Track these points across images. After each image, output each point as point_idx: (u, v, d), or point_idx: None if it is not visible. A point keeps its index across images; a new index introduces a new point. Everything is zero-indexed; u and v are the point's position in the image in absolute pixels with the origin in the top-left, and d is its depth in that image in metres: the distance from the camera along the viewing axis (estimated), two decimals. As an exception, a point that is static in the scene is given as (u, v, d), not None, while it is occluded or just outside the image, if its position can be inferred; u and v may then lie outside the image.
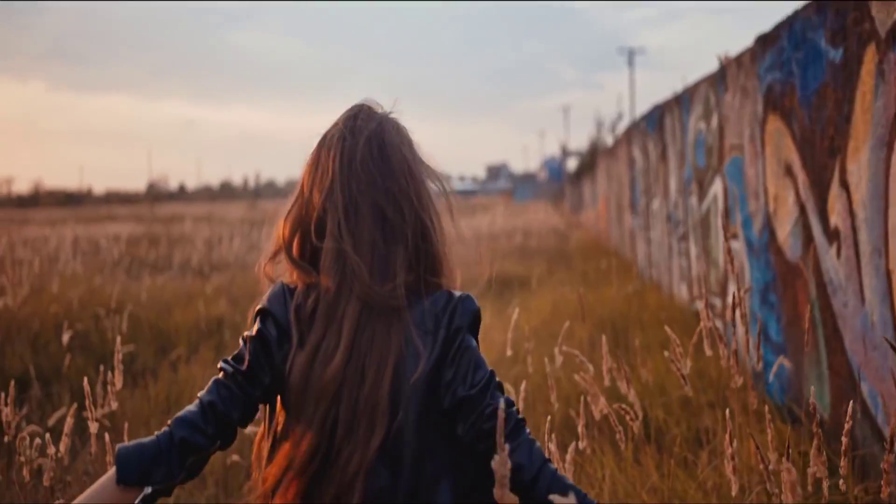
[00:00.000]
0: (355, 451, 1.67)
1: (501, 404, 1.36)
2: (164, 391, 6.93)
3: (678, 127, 9.27)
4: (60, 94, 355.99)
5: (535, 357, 6.74)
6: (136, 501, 1.62)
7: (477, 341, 1.78)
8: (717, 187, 7.53)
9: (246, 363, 1.78)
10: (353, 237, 1.77)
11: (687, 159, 8.85)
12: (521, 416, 1.71)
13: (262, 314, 1.85)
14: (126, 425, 3.30)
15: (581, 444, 3.42)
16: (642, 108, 50.99)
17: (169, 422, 1.72)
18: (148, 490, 1.63)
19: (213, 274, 14.09)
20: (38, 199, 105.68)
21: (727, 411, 2.83)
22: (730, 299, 7.11)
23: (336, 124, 1.89)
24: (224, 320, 10.02)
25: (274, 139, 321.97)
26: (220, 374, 1.80)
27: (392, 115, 1.91)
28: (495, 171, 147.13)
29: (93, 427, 3.57)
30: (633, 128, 13.55)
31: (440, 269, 1.83)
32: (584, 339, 7.84)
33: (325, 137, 1.89)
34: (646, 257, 12.42)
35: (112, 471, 1.63)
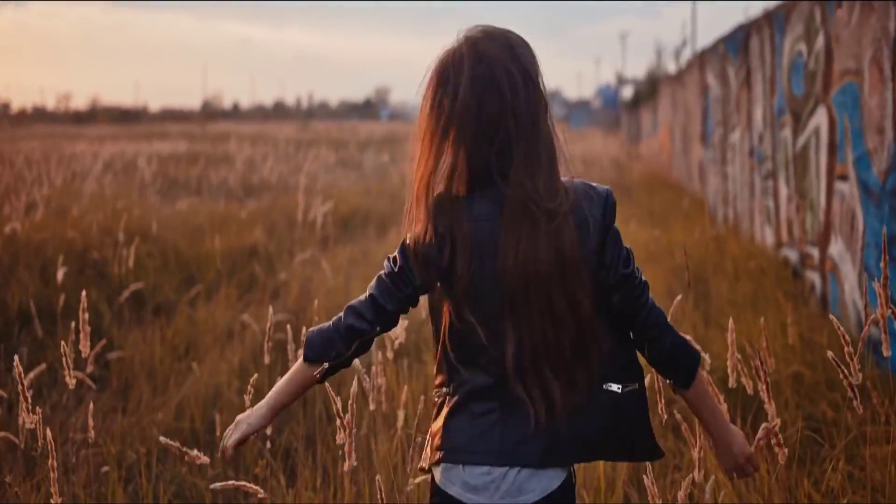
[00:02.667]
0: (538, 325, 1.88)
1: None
2: (179, 333, 6.18)
3: (768, 49, 8.16)
4: (119, 10, 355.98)
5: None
6: (316, 374, 1.98)
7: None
8: (819, 119, 6.48)
9: (399, 266, 1.94)
10: (524, 154, 1.85)
11: (779, 86, 7.76)
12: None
13: (427, 219, 1.88)
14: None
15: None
16: (704, 38, 48.99)
17: (344, 308, 1.98)
18: (325, 366, 1.98)
19: (252, 196, 13.33)
20: (94, 116, 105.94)
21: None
22: (833, 249, 6.14)
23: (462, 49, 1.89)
24: (258, 250, 9.24)
25: (327, 61, 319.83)
26: (383, 269, 1.98)
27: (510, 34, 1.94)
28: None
29: (70, 382, 3.26)
30: (709, 51, 12.35)
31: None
32: (658, 287, 6.92)
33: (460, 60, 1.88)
34: (719, 194, 11.36)
35: (301, 351, 2.00)
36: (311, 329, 2.01)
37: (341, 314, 1.98)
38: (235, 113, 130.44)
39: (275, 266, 8.45)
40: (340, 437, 2.58)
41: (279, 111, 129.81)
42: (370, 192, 15.06)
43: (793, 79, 7.26)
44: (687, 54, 33.56)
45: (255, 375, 2.86)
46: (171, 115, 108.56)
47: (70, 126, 71.37)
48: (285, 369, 2.38)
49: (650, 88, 37.06)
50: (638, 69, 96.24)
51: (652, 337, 1.98)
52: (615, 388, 1.95)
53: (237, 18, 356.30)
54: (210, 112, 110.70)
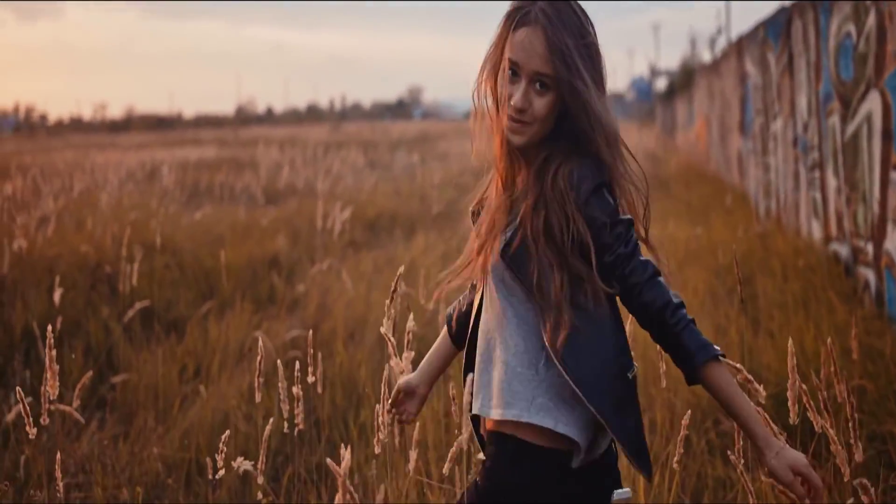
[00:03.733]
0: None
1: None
2: (190, 352, 5.82)
3: (813, 32, 7.65)
4: (153, 19, 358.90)
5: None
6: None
7: None
8: (872, 104, 5.98)
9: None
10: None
11: (825, 71, 7.26)
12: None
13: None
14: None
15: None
16: (737, 27, 48.16)
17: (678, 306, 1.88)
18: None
19: (277, 202, 12.99)
20: (129, 124, 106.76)
21: None
22: (889, 244, 5.64)
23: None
24: (279, 259, 8.88)
25: (360, 62, 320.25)
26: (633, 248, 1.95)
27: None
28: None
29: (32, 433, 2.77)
30: (748, 37, 11.80)
31: None
32: (700, 289, 6.46)
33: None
34: (760, 186, 10.83)
35: (720, 368, 1.83)
36: (706, 346, 1.86)
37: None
38: (269, 117, 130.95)
39: (295, 276, 8.10)
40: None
41: (312, 114, 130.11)
42: (399, 194, 14.69)
43: (840, 62, 6.76)
44: (722, 43, 32.85)
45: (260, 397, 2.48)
46: (206, 122, 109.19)
47: (105, 135, 71.84)
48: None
49: (685, 79, 36.37)
50: (671, 60, 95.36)
51: None
52: None
53: (270, 23, 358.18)
54: (244, 117, 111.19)
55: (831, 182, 7.19)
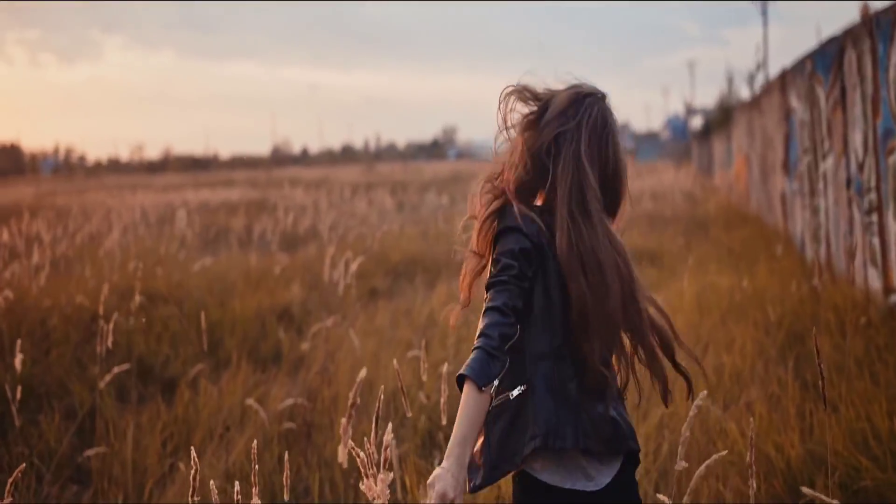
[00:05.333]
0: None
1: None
2: (177, 419, 5.23)
3: (869, 62, 6.99)
4: (189, 61, 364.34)
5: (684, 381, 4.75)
6: (492, 392, 2.09)
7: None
8: (942, 141, 5.32)
9: (517, 268, 2.17)
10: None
11: (885, 104, 6.59)
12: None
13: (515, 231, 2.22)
14: None
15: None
16: (774, 65, 47.50)
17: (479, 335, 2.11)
18: (496, 383, 2.08)
19: (296, 247, 12.43)
20: (166, 165, 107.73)
21: None
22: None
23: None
24: (291, 310, 8.28)
25: (394, 103, 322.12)
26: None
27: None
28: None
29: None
30: (794, 70, 11.12)
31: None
32: (748, 349, 5.77)
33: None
34: (808, 230, 10.10)
35: (468, 388, 2.04)
36: (466, 370, 2.07)
37: None
38: (304, 158, 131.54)
39: (307, 329, 7.50)
40: None
41: (347, 154, 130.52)
42: (426, 236, 14.10)
43: (901, 94, 6.11)
44: (761, 79, 32.15)
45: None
46: (241, 162, 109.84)
47: (141, 176, 72.25)
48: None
49: (722, 116, 35.68)
50: (707, 98, 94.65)
51: None
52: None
53: (304, 64, 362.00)
54: (279, 158, 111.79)
55: (892, 227, 6.51)
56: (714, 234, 12.99)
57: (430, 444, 4.76)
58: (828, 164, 8.82)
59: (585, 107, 2.26)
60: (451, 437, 1.98)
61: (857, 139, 7.50)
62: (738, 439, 4.05)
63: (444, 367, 5.08)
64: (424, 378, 4.05)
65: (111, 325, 4.78)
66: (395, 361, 2.94)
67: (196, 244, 11.73)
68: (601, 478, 2.17)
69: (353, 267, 5.91)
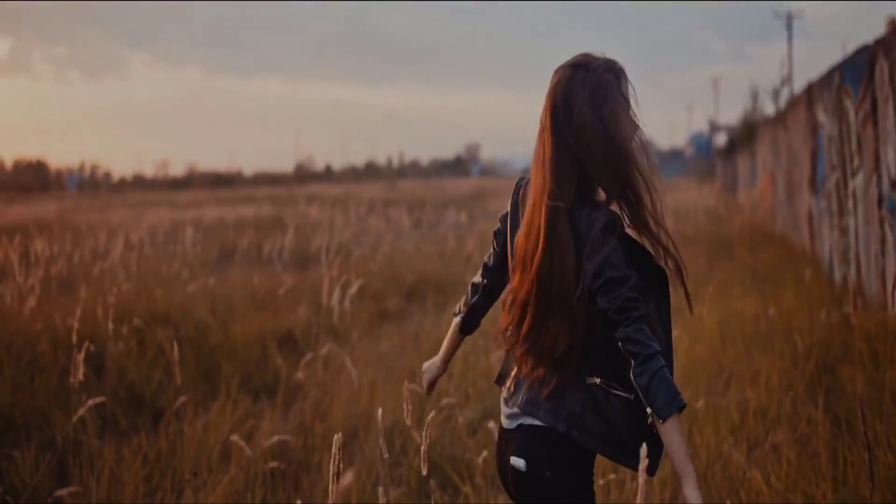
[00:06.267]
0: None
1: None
2: (157, 455, 4.87)
3: (902, 74, 6.60)
4: (214, 78, 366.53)
5: (706, 417, 4.39)
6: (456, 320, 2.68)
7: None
8: (984, 157, 4.91)
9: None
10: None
11: (919, 118, 6.19)
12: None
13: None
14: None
15: None
16: (798, 81, 46.95)
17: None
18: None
19: (307, 267, 12.11)
20: (191, 182, 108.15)
21: None
22: None
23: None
24: (295, 334, 7.93)
25: (418, 120, 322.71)
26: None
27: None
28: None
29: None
30: (821, 84, 10.70)
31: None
32: (774, 383, 5.36)
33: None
34: (837, 251, 9.66)
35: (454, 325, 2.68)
36: (459, 315, 2.68)
37: None
38: (328, 174, 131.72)
39: (307, 355, 7.16)
40: None
41: (370, 171, 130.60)
42: (442, 256, 13.74)
43: (938, 108, 5.71)
44: (785, 95, 31.64)
45: None
46: (265, 179, 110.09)
47: (165, 192, 72.44)
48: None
49: (746, 133, 35.20)
50: (731, 115, 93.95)
51: (629, 365, 2.17)
52: (597, 380, 2.27)
53: (329, 81, 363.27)
54: (302, 175, 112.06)
55: (929, 249, 6.09)
56: (738, 255, 12.55)
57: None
58: (858, 182, 8.40)
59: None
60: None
61: (889, 154, 7.08)
62: (762, 489, 3.66)
63: (444, 401, 4.70)
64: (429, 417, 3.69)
65: (83, 355, 4.43)
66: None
67: (202, 263, 11.42)
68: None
69: (353, 289, 5.57)
